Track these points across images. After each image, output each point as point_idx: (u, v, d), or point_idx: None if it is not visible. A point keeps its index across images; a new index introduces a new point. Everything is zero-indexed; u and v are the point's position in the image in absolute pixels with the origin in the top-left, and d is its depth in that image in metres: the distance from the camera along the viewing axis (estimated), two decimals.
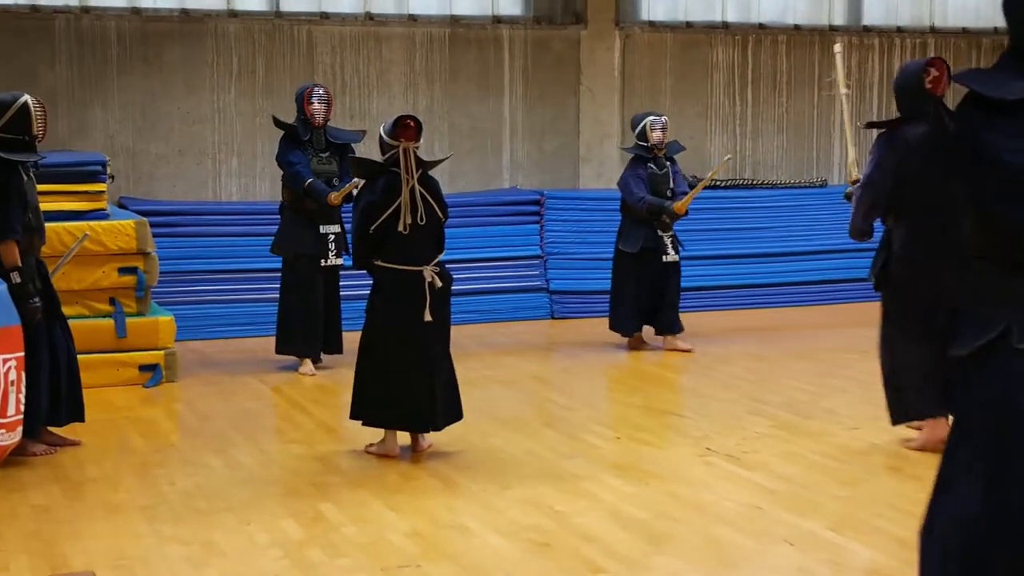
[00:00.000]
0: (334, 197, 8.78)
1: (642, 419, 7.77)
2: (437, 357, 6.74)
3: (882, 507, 5.89)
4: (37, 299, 6.68)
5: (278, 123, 9.26)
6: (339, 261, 9.06)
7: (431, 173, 6.92)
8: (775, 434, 7.32)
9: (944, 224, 3.24)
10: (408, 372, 6.67)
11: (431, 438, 6.90)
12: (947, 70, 6.86)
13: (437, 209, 6.78)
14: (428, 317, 6.61)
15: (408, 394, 6.69)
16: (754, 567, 5.19)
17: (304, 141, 9.02)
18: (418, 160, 6.75)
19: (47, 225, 7.16)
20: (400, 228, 6.61)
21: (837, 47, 8.41)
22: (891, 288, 6.90)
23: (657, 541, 5.45)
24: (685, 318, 10.04)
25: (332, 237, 9.03)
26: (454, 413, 6.89)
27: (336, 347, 9.14)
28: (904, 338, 6.75)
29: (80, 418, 7.14)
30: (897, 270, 6.74)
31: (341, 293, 9.19)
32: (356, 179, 7.90)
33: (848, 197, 7.22)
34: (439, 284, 6.66)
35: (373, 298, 6.81)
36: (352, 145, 9.21)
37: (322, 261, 8.99)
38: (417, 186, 6.68)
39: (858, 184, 7.01)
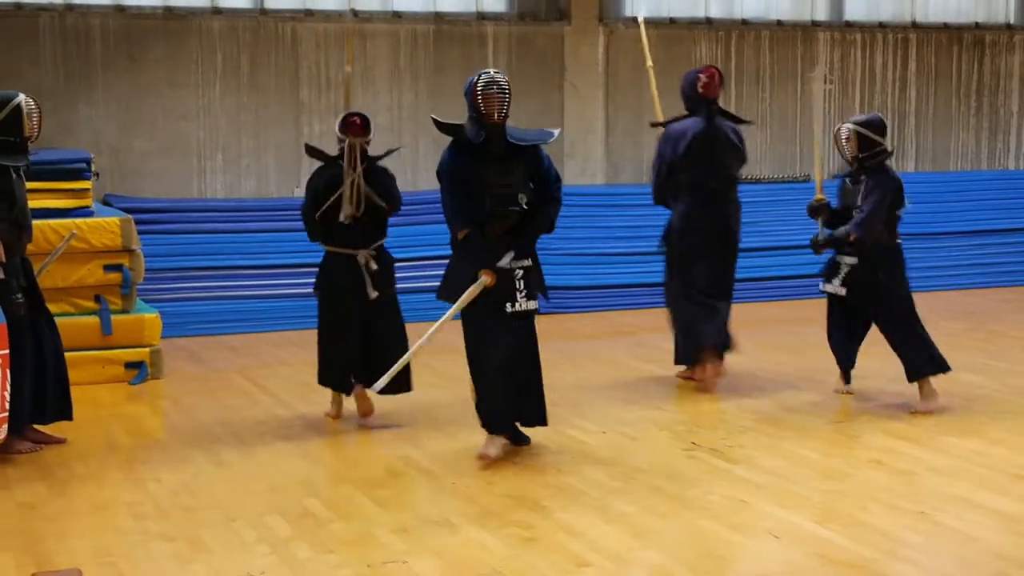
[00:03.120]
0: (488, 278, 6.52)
1: (627, 414, 7.79)
2: (370, 326, 7.35)
3: (866, 500, 5.93)
4: (20, 295, 6.67)
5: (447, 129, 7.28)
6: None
7: (385, 165, 7.42)
8: (759, 428, 7.35)
9: None
10: (339, 335, 7.41)
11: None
12: (719, 75, 8.36)
13: (380, 202, 7.28)
14: (373, 294, 7.30)
15: (339, 355, 7.45)
16: (739, 561, 5.21)
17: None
18: (363, 155, 7.24)
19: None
20: (341, 219, 7.22)
21: None
22: (669, 252, 8.49)
23: (642, 535, 5.47)
24: (664, 313, 9.97)
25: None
26: (400, 383, 7.09)
27: None
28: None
29: (68, 416, 7.14)
30: (672, 239, 8.45)
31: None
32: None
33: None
34: (374, 267, 7.30)
35: (318, 272, 7.52)
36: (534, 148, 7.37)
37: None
38: (359, 181, 7.21)
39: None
